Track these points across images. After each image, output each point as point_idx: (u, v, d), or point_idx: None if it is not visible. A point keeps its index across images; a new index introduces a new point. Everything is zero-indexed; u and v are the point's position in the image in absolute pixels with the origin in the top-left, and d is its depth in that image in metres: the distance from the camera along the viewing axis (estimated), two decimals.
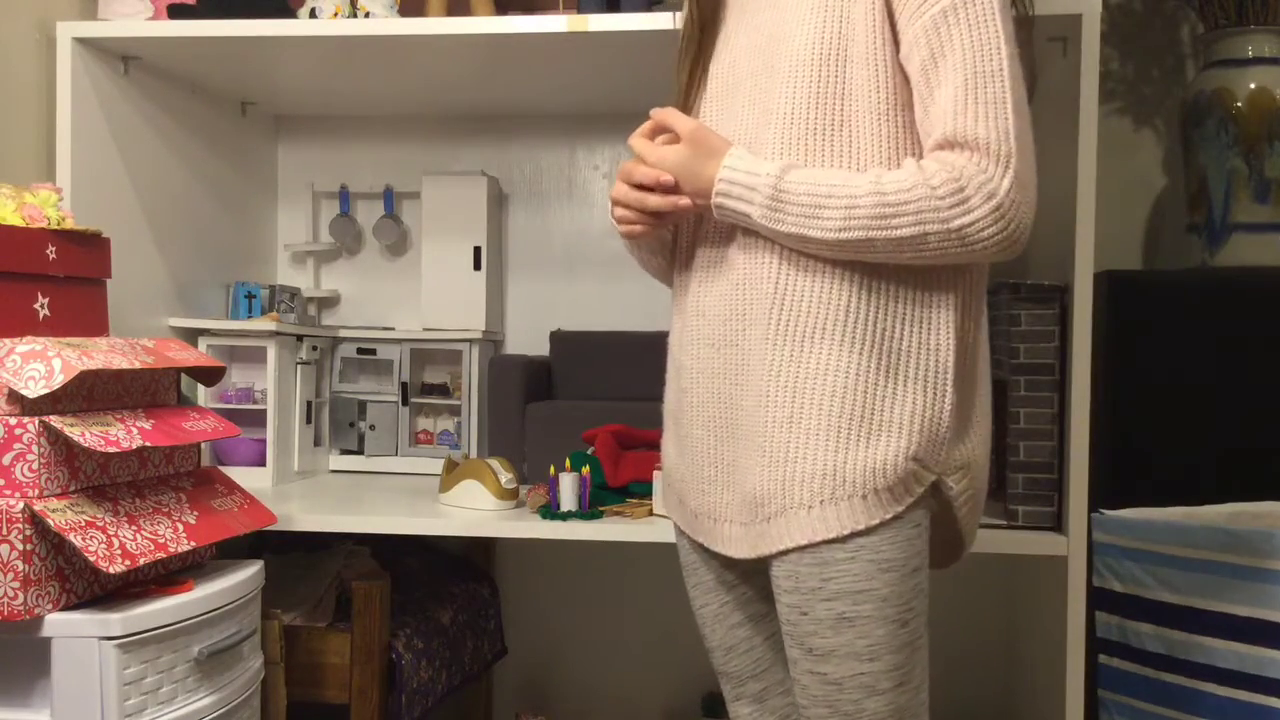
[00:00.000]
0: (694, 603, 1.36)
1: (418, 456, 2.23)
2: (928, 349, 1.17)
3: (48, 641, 1.29)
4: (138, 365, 1.41)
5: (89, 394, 1.40)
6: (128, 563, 1.30)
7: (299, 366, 2.11)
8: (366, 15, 1.83)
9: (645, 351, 1.76)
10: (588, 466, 1.75)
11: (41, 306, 1.45)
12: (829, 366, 1.15)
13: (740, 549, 1.23)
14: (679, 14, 1.35)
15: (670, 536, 1.43)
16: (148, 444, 1.37)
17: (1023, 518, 1.61)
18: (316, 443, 2.20)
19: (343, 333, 2.26)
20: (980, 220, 1.10)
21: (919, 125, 1.16)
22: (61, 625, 1.29)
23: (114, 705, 1.29)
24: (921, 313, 1.17)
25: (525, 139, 2.36)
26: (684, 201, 1.21)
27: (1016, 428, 1.60)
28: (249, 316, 2.15)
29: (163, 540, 1.38)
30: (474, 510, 1.77)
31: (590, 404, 2.04)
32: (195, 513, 1.48)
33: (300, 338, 2.11)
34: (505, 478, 1.78)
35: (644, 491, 1.80)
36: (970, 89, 1.10)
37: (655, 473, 1.71)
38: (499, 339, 2.34)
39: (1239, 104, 1.97)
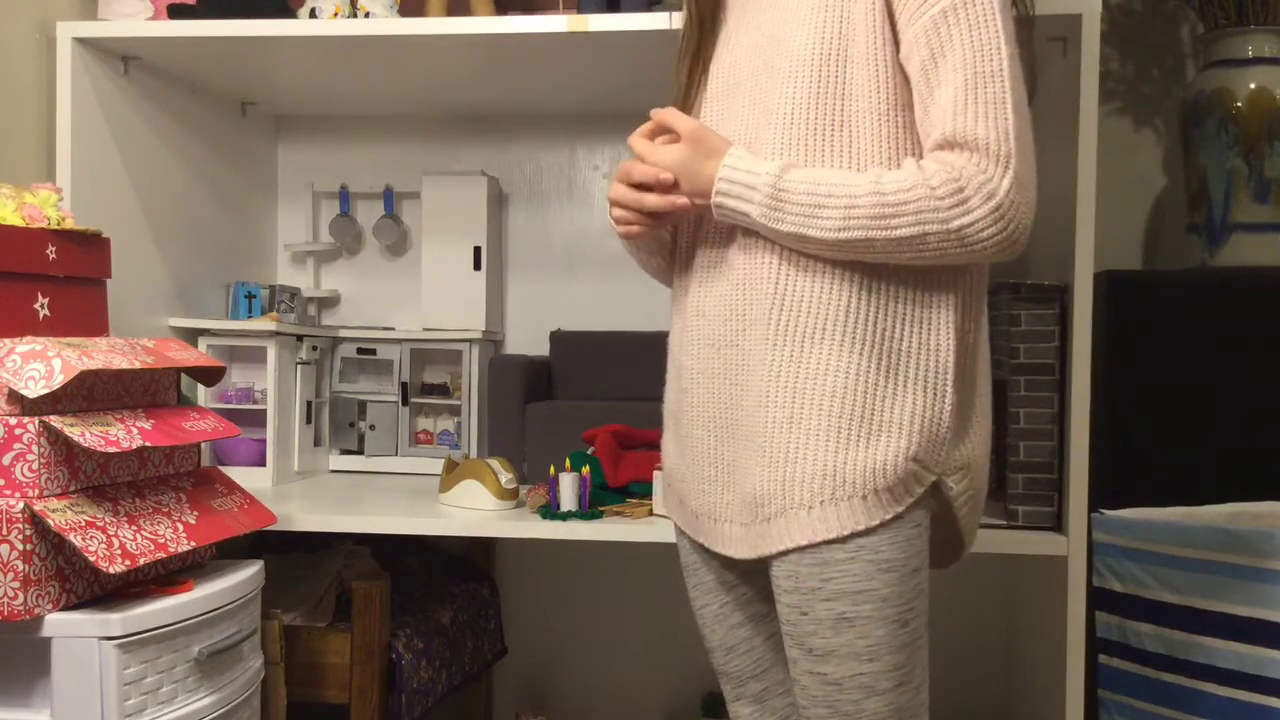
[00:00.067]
0: (694, 603, 1.36)
1: (418, 456, 2.23)
2: (928, 349, 1.17)
3: (48, 641, 1.29)
4: (138, 365, 1.41)
5: (89, 394, 1.40)
6: (128, 563, 1.30)
7: (299, 366, 2.11)
8: (366, 15, 1.83)
9: (645, 351, 1.76)
10: (588, 466, 1.75)
11: (41, 306, 1.45)
12: (829, 367, 1.15)
13: (740, 549, 1.23)
14: (679, 14, 1.35)
15: (670, 536, 1.43)
16: (148, 444, 1.37)
17: (1023, 518, 1.61)
18: (316, 443, 2.20)
19: (343, 333, 2.26)
20: (980, 221, 1.10)
21: (919, 125, 1.16)
22: (61, 625, 1.29)
23: (114, 705, 1.29)
24: (921, 313, 1.17)
25: (525, 139, 2.36)
26: (682, 201, 1.21)
27: (1016, 428, 1.60)
28: (249, 316, 2.15)
29: (163, 540, 1.38)
30: (474, 510, 1.77)
31: (590, 404, 2.04)
32: (195, 513, 1.49)
33: (300, 338, 2.11)
34: (505, 478, 1.78)
35: (644, 491, 1.80)
36: (970, 89, 1.10)
37: (655, 473, 1.71)
38: (499, 339, 2.34)
39: (1239, 104, 1.97)
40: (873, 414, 1.15)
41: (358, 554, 1.98)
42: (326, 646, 1.77)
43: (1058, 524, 1.61)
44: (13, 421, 1.28)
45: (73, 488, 1.34)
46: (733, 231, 1.22)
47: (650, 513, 1.73)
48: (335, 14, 1.83)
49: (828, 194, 1.13)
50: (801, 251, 1.17)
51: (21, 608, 1.26)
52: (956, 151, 1.11)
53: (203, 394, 2.03)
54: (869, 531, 1.14)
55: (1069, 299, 1.58)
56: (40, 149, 1.80)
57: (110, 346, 1.42)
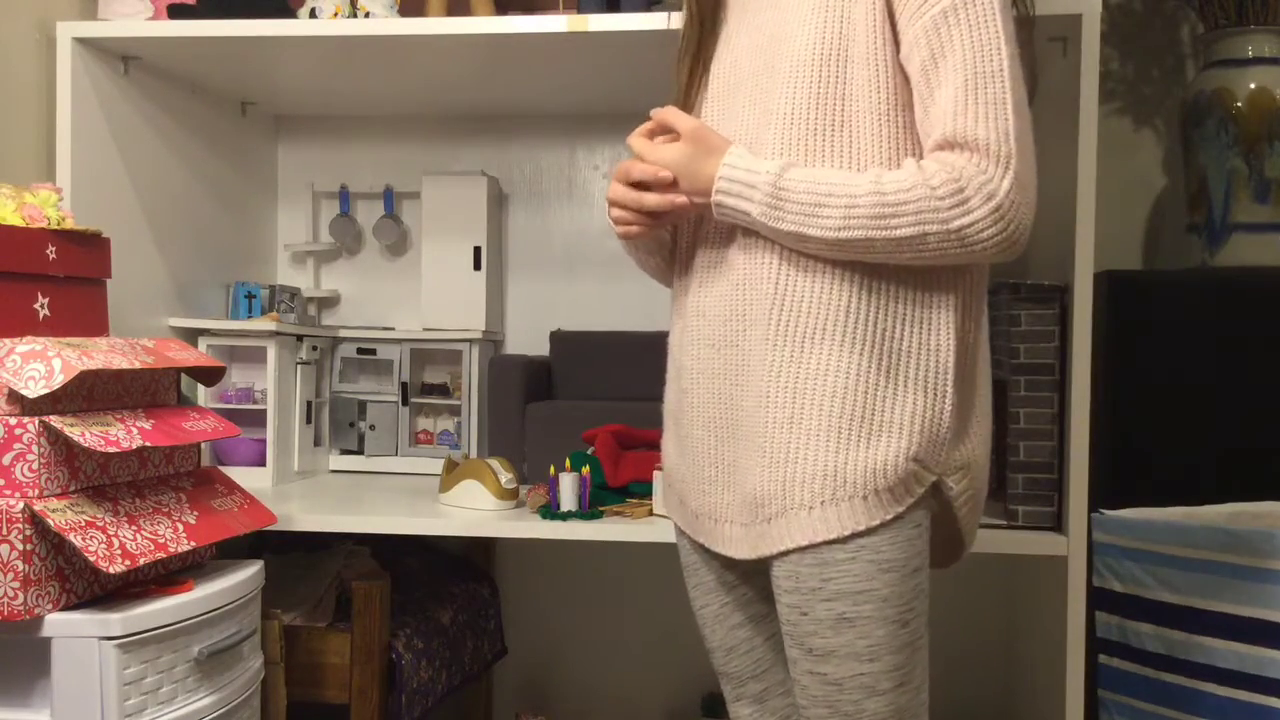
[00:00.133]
0: (694, 603, 1.36)
1: (418, 456, 2.23)
2: (928, 350, 1.17)
3: (48, 641, 1.29)
4: (138, 365, 1.41)
5: (89, 394, 1.40)
6: (128, 563, 1.30)
7: (299, 366, 2.11)
8: (366, 15, 1.83)
9: (645, 351, 1.76)
10: (588, 466, 1.75)
11: (41, 306, 1.45)
12: (829, 367, 1.15)
13: (741, 549, 1.23)
14: (679, 14, 1.35)
15: (670, 536, 1.43)
16: (148, 444, 1.37)
17: (1023, 518, 1.61)
18: (316, 443, 2.20)
19: (343, 333, 2.26)
20: (980, 221, 1.10)
21: (919, 125, 1.16)
22: (61, 625, 1.29)
23: (114, 705, 1.29)
24: (922, 313, 1.17)
25: (525, 139, 2.36)
26: (681, 200, 1.21)
27: (1016, 428, 1.60)
28: (249, 316, 2.15)
29: (163, 540, 1.38)
30: (474, 510, 1.77)
31: (590, 404, 2.04)
32: (195, 513, 1.48)
33: (300, 338, 2.11)
34: (505, 478, 1.78)
35: (644, 491, 1.80)
36: (970, 89, 1.10)
37: (655, 473, 1.71)
38: (499, 339, 2.34)
39: (1239, 104, 1.97)
40: (873, 414, 1.15)
41: (358, 554, 1.98)
42: (326, 646, 1.77)
43: (1058, 524, 1.61)
44: (13, 421, 1.28)
45: (73, 488, 1.34)
46: (733, 231, 1.22)
47: (650, 513, 1.73)
48: (335, 14, 1.83)
49: (828, 193, 1.13)
50: (801, 251, 1.17)
51: (21, 608, 1.26)
52: (957, 152, 1.11)
53: (203, 394, 2.03)
54: (869, 532, 1.14)
55: (1069, 299, 1.58)
56: (40, 149, 1.80)
57: (110, 346, 1.42)
